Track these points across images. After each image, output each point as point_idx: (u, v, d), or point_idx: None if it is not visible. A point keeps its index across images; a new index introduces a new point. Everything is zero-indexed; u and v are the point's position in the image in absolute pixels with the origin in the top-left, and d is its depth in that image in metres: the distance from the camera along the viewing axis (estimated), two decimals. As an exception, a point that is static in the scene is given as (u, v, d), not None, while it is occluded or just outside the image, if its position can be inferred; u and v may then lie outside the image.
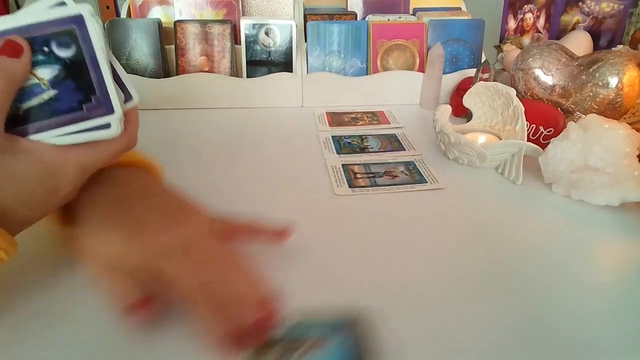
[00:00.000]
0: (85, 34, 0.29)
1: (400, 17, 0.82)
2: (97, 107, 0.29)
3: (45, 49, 0.28)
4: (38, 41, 0.28)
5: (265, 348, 0.28)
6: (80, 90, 0.29)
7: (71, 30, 0.29)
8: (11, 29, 0.28)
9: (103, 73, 0.29)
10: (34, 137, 0.28)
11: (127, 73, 0.72)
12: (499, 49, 0.87)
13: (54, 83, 0.29)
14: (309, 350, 0.28)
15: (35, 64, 0.28)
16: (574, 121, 0.51)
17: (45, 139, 0.29)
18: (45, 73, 0.29)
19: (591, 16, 0.82)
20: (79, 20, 0.29)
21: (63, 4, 0.29)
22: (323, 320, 0.31)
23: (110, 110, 0.30)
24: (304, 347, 0.29)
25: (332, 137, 0.64)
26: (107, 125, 0.30)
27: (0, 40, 0.27)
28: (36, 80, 0.28)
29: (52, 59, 0.29)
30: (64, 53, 0.29)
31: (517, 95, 0.54)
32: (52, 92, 0.29)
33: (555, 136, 0.50)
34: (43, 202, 0.29)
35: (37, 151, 0.28)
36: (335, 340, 0.29)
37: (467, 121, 0.61)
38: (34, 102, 0.28)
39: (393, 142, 0.63)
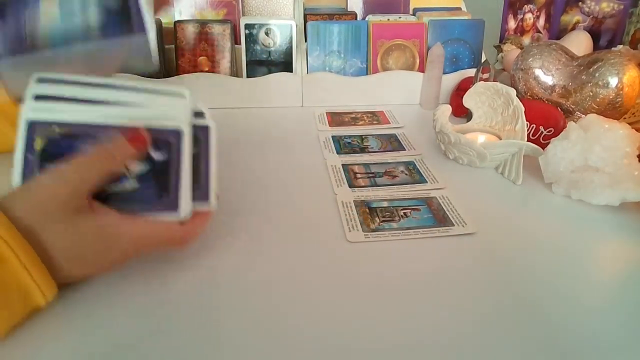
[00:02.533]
0: (180, 147, 0.33)
1: (400, 17, 0.82)
2: (166, 206, 0.33)
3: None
4: None
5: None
6: (157, 188, 0.33)
7: (170, 141, 0.33)
8: (125, 126, 0.32)
9: (182, 181, 0.33)
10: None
11: (127, 73, 0.72)
12: (499, 49, 0.87)
13: (139, 177, 0.32)
14: None
15: None
16: (574, 121, 0.51)
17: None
18: (137, 169, 0.32)
19: (591, 16, 0.81)
20: (179, 134, 0.33)
21: (200, 115, 0.35)
22: None
23: (176, 211, 0.33)
24: None
25: (332, 137, 0.64)
26: (175, 207, 0.33)
27: (134, 129, 0.32)
28: (127, 173, 0.32)
29: (145, 158, 0.33)
30: (157, 156, 0.33)
31: (517, 95, 0.54)
32: (135, 185, 0.32)
33: (555, 136, 0.50)
34: (87, 259, 0.31)
35: (104, 214, 0.31)
36: None
37: (467, 121, 0.61)
38: (116, 188, 0.32)
39: (393, 142, 0.63)
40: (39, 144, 0.31)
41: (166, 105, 0.33)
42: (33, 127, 0.31)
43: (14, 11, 0.33)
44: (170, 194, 0.33)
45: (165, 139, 0.33)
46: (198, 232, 0.35)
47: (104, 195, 0.32)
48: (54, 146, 0.31)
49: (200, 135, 0.35)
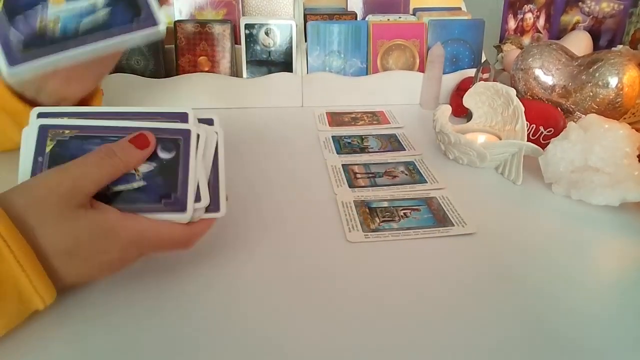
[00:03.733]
0: (188, 145, 0.33)
1: (400, 17, 0.82)
2: (174, 204, 0.32)
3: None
4: None
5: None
6: (164, 187, 0.32)
7: (177, 140, 0.33)
8: (135, 127, 0.33)
9: (189, 180, 0.33)
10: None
11: (127, 73, 0.73)
12: (499, 49, 0.87)
13: (146, 176, 0.32)
14: None
15: None
16: (574, 121, 0.51)
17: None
18: (143, 167, 0.32)
19: (591, 16, 0.81)
20: (187, 133, 0.34)
21: (210, 122, 0.36)
22: None
23: (183, 209, 0.32)
24: None
25: (332, 137, 0.64)
26: (183, 208, 0.33)
27: (140, 133, 0.32)
28: (133, 171, 0.32)
29: (152, 156, 0.33)
30: (164, 155, 0.33)
31: (517, 95, 0.54)
32: (141, 183, 0.32)
33: (555, 136, 0.50)
34: (86, 258, 0.30)
35: (104, 212, 0.30)
36: None
37: (467, 121, 0.61)
38: (123, 187, 0.32)
39: (393, 142, 0.63)
40: (48, 146, 0.32)
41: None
42: (45, 130, 0.32)
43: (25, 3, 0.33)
44: (178, 192, 0.32)
45: (173, 138, 0.33)
46: (201, 233, 0.35)
47: (110, 194, 0.32)
48: (63, 147, 0.32)
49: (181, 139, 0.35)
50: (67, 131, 0.32)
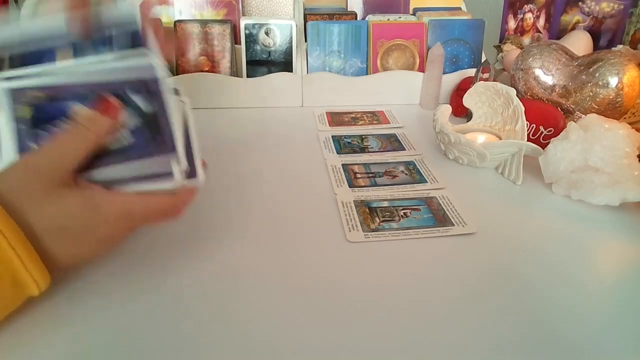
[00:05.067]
0: (160, 90, 0.33)
1: (400, 17, 0.82)
2: (162, 148, 0.32)
3: (129, 100, 0.32)
4: (120, 89, 0.32)
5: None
6: (150, 133, 0.32)
7: (147, 84, 0.32)
8: (97, 82, 0.32)
9: (173, 127, 0.32)
10: (100, 172, 0.32)
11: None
12: (499, 49, 0.87)
13: (133, 131, 0.32)
14: None
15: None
16: (574, 121, 0.51)
17: (111, 178, 0.32)
18: (129, 120, 0.32)
19: (591, 16, 0.81)
20: (150, 71, 0.33)
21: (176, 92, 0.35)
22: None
23: (173, 151, 0.32)
24: None
25: (332, 137, 0.64)
26: (169, 175, 0.32)
27: (103, 100, 0.32)
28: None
29: (132, 105, 0.32)
30: (144, 105, 0.33)
31: (517, 95, 0.54)
32: (131, 140, 0.32)
33: (555, 136, 0.50)
34: (75, 236, 0.30)
35: (89, 188, 0.31)
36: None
37: (467, 121, 0.61)
38: (114, 146, 0.32)
39: (393, 142, 0.63)
40: (27, 112, 0.31)
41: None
42: (13, 95, 0.31)
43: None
44: (165, 135, 0.32)
45: (143, 82, 0.32)
46: (187, 201, 0.35)
47: (103, 155, 0.32)
48: (44, 111, 0.31)
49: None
50: (38, 93, 0.31)
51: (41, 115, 0.31)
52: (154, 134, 0.32)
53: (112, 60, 0.32)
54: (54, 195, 0.29)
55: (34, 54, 0.32)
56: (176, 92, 0.36)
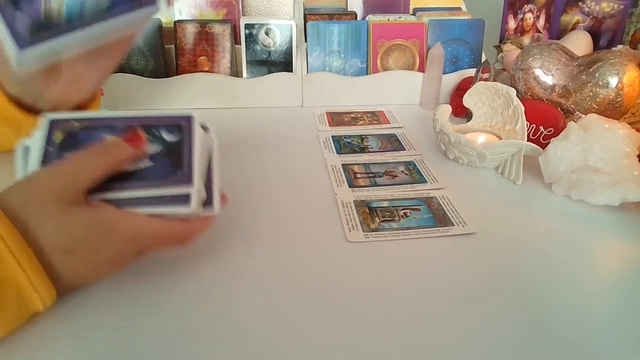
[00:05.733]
0: (191, 129, 0.34)
1: (400, 17, 0.82)
2: (181, 179, 0.33)
3: (156, 133, 0.34)
4: (154, 127, 0.34)
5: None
6: (170, 165, 0.33)
7: (181, 124, 0.34)
8: (137, 116, 0.34)
9: (194, 158, 0.33)
10: (117, 195, 0.32)
11: (127, 73, 0.73)
12: (499, 49, 0.87)
13: (153, 157, 0.33)
14: None
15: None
16: (574, 121, 0.51)
17: (126, 200, 0.32)
18: (150, 148, 0.33)
19: (591, 16, 0.81)
20: (190, 118, 0.35)
21: (205, 129, 0.37)
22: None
23: (189, 181, 0.33)
24: None
25: (332, 137, 0.64)
26: (186, 199, 0.32)
27: (132, 130, 0.33)
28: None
29: (159, 140, 0.34)
30: (169, 137, 0.34)
31: (517, 95, 0.54)
32: (149, 163, 0.33)
33: (555, 136, 0.50)
34: (83, 256, 0.30)
35: (100, 208, 0.31)
36: None
37: (467, 121, 0.61)
38: (131, 167, 0.32)
39: (393, 142, 0.63)
40: (58, 137, 0.32)
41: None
42: (53, 123, 0.33)
43: None
44: (184, 169, 0.33)
45: (177, 123, 0.34)
46: (200, 231, 0.35)
47: (119, 177, 0.32)
48: (73, 138, 0.32)
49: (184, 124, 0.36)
50: (76, 123, 0.33)
51: (71, 141, 0.32)
52: (173, 161, 0.33)
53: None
54: (65, 215, 0.29)
55: None
56: (205, 128, 0.37)
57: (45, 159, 0.32)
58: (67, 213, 0.29)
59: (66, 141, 0.32)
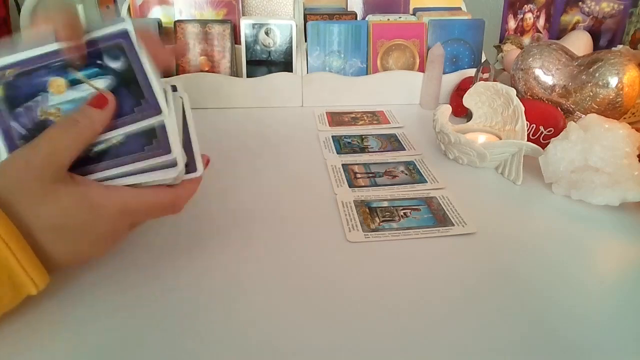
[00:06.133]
0: (133, 47, 0.32)
1: (400, 17, 0.82)
2: (147, 109, 0.31)
3: (99, 62, 0.32)
4: (92, 55, 0.32)
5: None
6: (133, 97, 0.31)
7: (120, 44, 0.32)
8: (70, 46, 0.31)
9: (150, 79, 0.32)
10: (100, 175, 0.31)
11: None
12: (499, 49, 0.87)
13: (126, 135, 0.31)
14: None
15: (90, 75, 0.32)
16: (574, 121, 0.51)
17: (110, 178, 0.31)
18: (99, 84, 0.31)
19: (591, 16, 0.81)
20: (126, 33, 0.32)
21: (174, 88, 0.35)
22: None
23: (158, 110, 0.31)
24: None
25: (332, 137, 0.64)
26: (167, 167, 0.31)
27: (96, 95, 0.31)
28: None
29: (105, 70, 0.32)
30: (116, 65, 0.32)
31: (517, 95, 0.54)
32: (120, 138, 0.31)
33: (555, 136, 0.50)
34: (74, 233, 0.30)
35: (85, 185, 0.30)
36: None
37: (467, 121, 0.61)
38: (104, 146, 0.31)
39: (393, 142, 0.63)
40: (0, 92, 0.31)
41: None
42: None
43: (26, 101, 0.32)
44: (145, 95, 0.31)
45: (116, 44, 0.32)
46: (188, 196, 0.34)
47: (94, 155, 0.31)
48: (15, 89, 0.31)
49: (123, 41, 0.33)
50: (7, 71, 0.31)
51: (16, 93, 0.31)
52: (134, 94, 0.31)
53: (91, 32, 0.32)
54: (49, 192, 0.28)
55: (27, 80, 0.31)
56: (174, 88, 0.35)
57: (1, 120, 0.30)
58: (52, 191, 0.28)
59: (8, 96, 0.30)
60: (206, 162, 0.36)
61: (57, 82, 0.31)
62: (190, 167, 0.34)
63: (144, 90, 0.32)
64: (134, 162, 0.31)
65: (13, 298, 0.29)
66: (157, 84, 0.32)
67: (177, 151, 0.32)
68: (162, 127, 0.32)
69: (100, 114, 0.31)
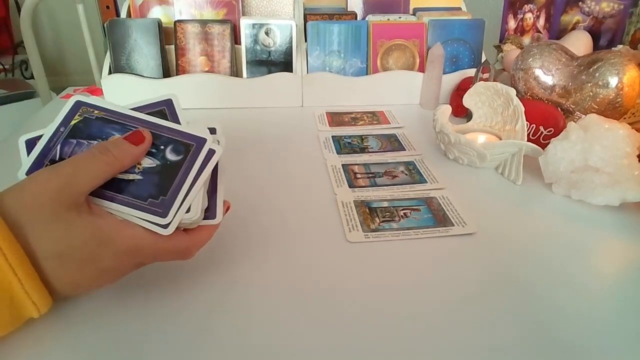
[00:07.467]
0: (197, 154, 0.33)
1: (400, 17, 0.82)
2: (159, 207, 0.31)
3: (162, 147, 0.33)
4: (163, 141, 0.33)
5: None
6: (158, 187, 0.31)
7: (189, 145, 0.33)
8: (155, 123, 0.33)
9: (183, 187, 0.32)
10: (104, 202, 0.30)
11: (127, 73, 0.73)
12: (499, 49, 0.87)
13: (145, 171, 0.32)
14: None
15: (148, 153, 0.32)
16: (574, 121, 0.51)
17: (111, 207, 0.31)
18: (146, 161, 0.32)
19: (591, 16, 0.81)
20: (201, 142, 0.33)
21: (213, 131, 0.36)
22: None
23: (164, 215, 0.31)
24: None
25: (332, 137, 0.64)
26: (163, 225, 0.31)
27: (136, 131, 0.32)
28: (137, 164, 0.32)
29: (159, 155, 0.32)
30: (172, 157, 0.32)
31: (517, 95, 0.54)
32: (138, 177, 0.31)
33: (555, 136, 0.50)
34: (78, 264, 0.29)
35: (101, 216, 0.29)
36: None
37: (467, 121, 0.61)
38: (121, 175, 0.31)
39: (393, 142, 0.63)
40: (75, 120, 0.32)
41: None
42: (79, 105, 0.33)
43: None
44: (167, 196, 0.31)
45: (186, 143, 0.33)
46: (201, 243, 0.34)
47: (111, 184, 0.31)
48: (84, 126, 0.32)
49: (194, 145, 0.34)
50: (96, 111, 0.33)
51: (82, 127, 0.32)
52: (161, 184, 0.31)
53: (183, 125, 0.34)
54: (61, 218, 0.28)
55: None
56: (213, 131, 0.36)
57: (53, 136, 0.31)
58: (64, 218, 0.28)
59: (78, 126, 0.32)
60: (226, 209, 0.36)
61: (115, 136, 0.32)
62: (210, 213, 0.34)
63: (170, 193, 0.31)
64: (129, 207, 0.30)
65: (14, 320, 0.28)
66: (181, 203, 0.31)
67: (171, 217, 0.31)
68: (174, 196, 0.31)
69: (133, 149, 0.31)
